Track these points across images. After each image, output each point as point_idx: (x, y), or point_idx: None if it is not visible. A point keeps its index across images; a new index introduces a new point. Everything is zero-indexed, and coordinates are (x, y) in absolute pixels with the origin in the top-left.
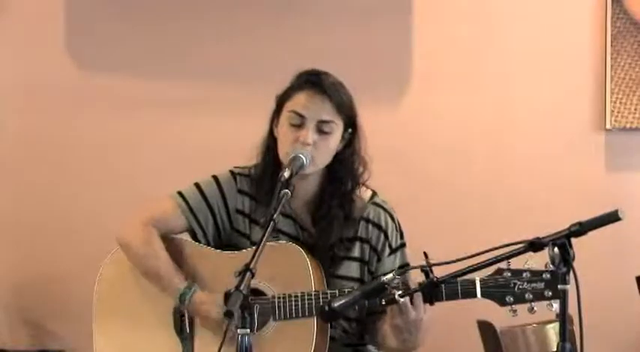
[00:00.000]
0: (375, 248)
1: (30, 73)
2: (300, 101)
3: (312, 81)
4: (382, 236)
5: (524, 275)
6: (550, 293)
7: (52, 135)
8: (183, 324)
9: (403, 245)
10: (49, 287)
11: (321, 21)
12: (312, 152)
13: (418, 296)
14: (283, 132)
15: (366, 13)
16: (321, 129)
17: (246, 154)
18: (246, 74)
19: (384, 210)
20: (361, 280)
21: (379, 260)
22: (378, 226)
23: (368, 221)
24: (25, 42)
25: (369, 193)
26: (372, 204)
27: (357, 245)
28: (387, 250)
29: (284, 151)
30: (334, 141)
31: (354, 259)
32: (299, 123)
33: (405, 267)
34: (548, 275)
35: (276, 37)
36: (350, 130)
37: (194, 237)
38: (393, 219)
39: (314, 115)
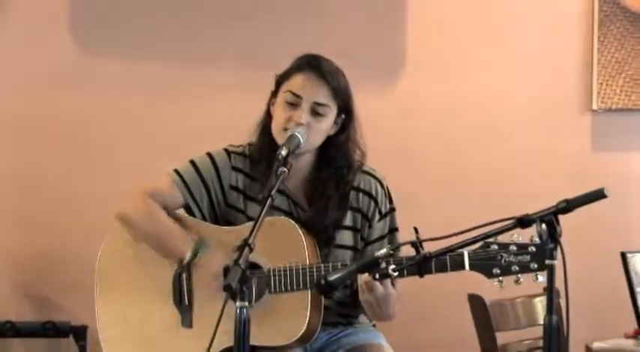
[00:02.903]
0: (366, 215)
1: (33, 57)
2: (297, 82)
3: (312, 64)
4: (372, 203)
5: (510, 248)
6: (535, 266)
7: (55, 115)
8: (182, 296)
9: (392, 210)
10: (53, 261)
11: (316, 6)
12: (305, 132)
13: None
14: (278, 111)
15: None
16: (316, 111)
17: (246, 137)
18: (246, 58)
19: (374, 177)
20: (355, 248)
21: (370, 226)
22: (368, 194)
23: (358, 189)
24: (29, 26)
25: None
26: (362, 172)
27: (349, 214)
28: (377, 216)
29: (277, 128)
30: (327, 123)
31: (347, 228)
32: (294, 103)
33: (395, 232)
34: (534, 249)
35: (274, 23)
36: (343, 116)
37: (190, 212)
38: (382, 185)
39: (310, 97)
